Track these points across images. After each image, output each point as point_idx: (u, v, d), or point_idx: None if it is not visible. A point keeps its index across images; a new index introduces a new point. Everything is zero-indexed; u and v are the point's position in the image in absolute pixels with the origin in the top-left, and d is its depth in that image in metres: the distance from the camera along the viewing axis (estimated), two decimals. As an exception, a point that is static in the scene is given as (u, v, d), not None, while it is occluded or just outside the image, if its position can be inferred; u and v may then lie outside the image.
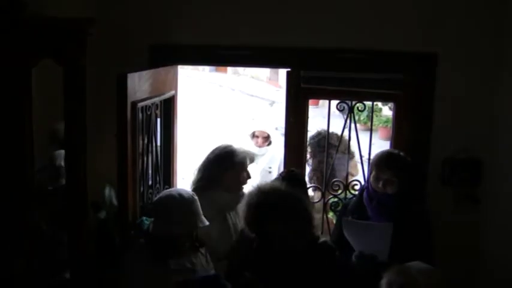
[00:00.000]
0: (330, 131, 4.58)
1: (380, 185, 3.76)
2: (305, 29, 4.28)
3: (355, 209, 3.90)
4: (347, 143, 4.53)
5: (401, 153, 3.88)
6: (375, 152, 4.02)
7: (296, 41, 4.29)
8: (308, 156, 4.91)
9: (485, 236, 4.35)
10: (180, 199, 3.65)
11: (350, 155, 4.61)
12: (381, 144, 4.94)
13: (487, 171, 4.29)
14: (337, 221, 4.11)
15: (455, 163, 4.26)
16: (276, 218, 3.34)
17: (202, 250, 3.88)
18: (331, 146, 4.60)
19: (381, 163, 3.81)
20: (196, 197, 3.73)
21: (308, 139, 4.88)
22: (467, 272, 4.37)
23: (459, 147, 4.26)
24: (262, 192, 3.42)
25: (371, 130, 4.52)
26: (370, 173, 3.90)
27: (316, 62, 4.29)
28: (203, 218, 3.69)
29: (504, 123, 4.17)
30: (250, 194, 3.48)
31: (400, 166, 3.78)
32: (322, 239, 3.54)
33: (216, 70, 23.70)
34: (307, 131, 4.38)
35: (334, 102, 4.41)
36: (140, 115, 3.93)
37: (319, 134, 4.91)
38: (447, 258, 3.96)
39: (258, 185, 3.52)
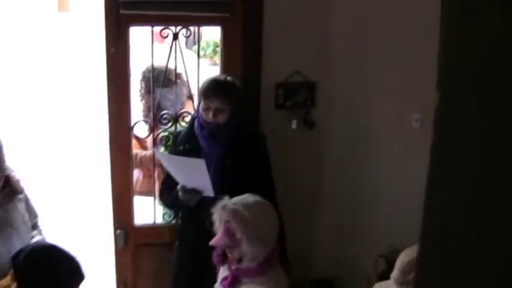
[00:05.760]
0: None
1: (210, 115, 3.55)
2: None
3: (187, 139, 3.71)
4: (172, 72, 4.25)
5: (229, 78, 3.69)
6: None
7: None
8: (142, 91, 4.66)
9: (321, 157, 4.36)
10: None
11: (180, 81, 4.35)
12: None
13: (320, 94, 4.23)
14: (169, 152, 3.91)
15: (288, 87, 4.15)
16: None
17: (21, 196, 3.59)
18: (168, 80, 4.31)
19: (208, 92, 3.58)
20: (2, 143, 3.43)
21: (141, 73, 4.63)
22: (309, 195, 4.42)
23: (292, 71, 4.13)
24: None
25: (198, 57, 4.30)
26: (199, 103, 3.69)
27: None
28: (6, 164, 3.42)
29: (336, 45, 4.13)
30: None
31: (229, 92, 3.59)
32: None
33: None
34: (129, 62, 4.03)
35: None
36: None
37: (153, 68, 4.45)
38: (288, 182, 4.03)
39: None
